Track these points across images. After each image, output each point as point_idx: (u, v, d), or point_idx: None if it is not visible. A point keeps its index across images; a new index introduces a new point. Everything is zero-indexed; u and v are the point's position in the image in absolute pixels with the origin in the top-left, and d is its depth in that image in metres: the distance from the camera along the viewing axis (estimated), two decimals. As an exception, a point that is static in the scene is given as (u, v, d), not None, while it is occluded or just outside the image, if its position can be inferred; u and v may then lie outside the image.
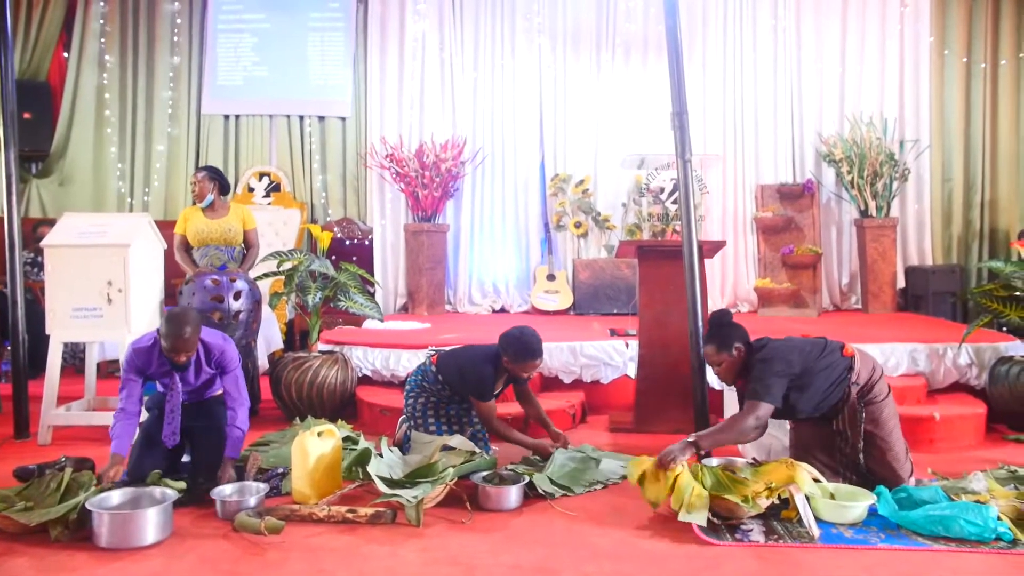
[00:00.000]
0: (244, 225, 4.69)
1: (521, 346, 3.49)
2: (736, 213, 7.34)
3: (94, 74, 7.58)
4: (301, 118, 7.70)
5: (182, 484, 3.03)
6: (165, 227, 4.79)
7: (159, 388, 3.44)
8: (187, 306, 4.24)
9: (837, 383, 3.09)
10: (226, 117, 7.71)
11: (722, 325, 3.25)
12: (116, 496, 2.86)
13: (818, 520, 2.82)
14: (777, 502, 2.86)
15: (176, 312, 3.21)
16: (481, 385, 3.56)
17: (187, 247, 4.66)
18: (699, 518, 2.76)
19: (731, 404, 3.74)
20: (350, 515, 2.90)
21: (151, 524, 2.69)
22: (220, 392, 3.43)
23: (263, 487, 3.12)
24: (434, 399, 3.73)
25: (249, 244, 4.73)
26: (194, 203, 4.66)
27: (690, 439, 3.01)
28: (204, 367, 3.32)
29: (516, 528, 2.86)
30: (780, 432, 3.52)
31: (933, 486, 3.00)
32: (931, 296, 6.78)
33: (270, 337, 5.05)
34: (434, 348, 4.08)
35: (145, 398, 3.39)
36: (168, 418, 3.29)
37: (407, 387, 3.82)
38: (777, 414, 3.09)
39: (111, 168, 7.61)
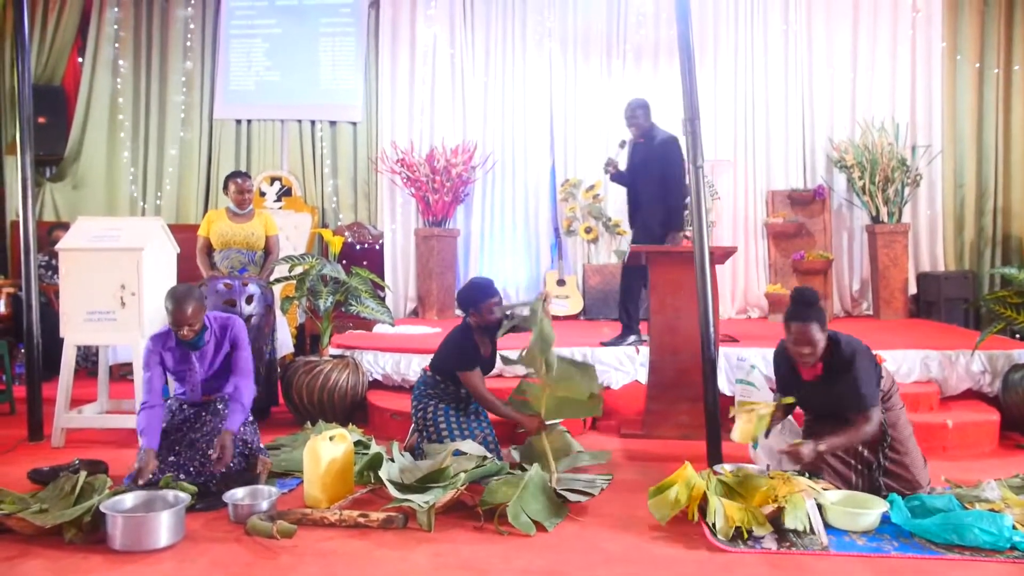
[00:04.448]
0: (267, 231, 4.75)
1: (473, 291, 3.76)
2: (747, 219, 7.32)
3: (108, 79, 7.65)
4: (312, 123, 7.74)
5: (194, 488, 3.04)
6: (177, 231, 4.82)
7: (177, 387, 3.49)
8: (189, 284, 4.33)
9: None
10: (238, 122, 7.76)
11: (816, 304, 3.08)
12: (129, 499, 2.89)
13: (831, 527, 2.81)
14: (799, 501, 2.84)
15: (177, 287, 3.35)
16: (461, 354, 3.69)
17: (209, 250, 4.70)
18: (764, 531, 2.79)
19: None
20: (362, 519, 2.91)
21: (164, 527, 2.70)
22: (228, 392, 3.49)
23: (275, 491, 3.13)
24: (443, 405, 3.75)
25: (269, 250, 4.78)
26: (239, 208, 4.71)
27: (820, 447, 2.97)
28: (221, 344, 3.41)
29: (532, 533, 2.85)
30: (793, 438, 3.50)
31: (947, 494, 2.99)
32: (943, 302, 6.74)
33: (281, 341, 5.08)
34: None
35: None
36: (189, 396, 3.40)
37: (413, 401, 3.85)
38: (822, 409, 3.12)
39: (124, 172, 7.66)
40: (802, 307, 3.06)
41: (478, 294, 3.75)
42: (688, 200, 4.32)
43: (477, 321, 3.74)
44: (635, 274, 5.00)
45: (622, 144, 5.14)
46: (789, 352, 3.14)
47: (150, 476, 3.07)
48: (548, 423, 3.62)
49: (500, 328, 3.86)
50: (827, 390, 3.11)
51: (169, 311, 3.24)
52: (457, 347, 3.74)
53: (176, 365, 3.40)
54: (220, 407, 3.44)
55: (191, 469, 3.25)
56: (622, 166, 5.23)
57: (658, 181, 4.87)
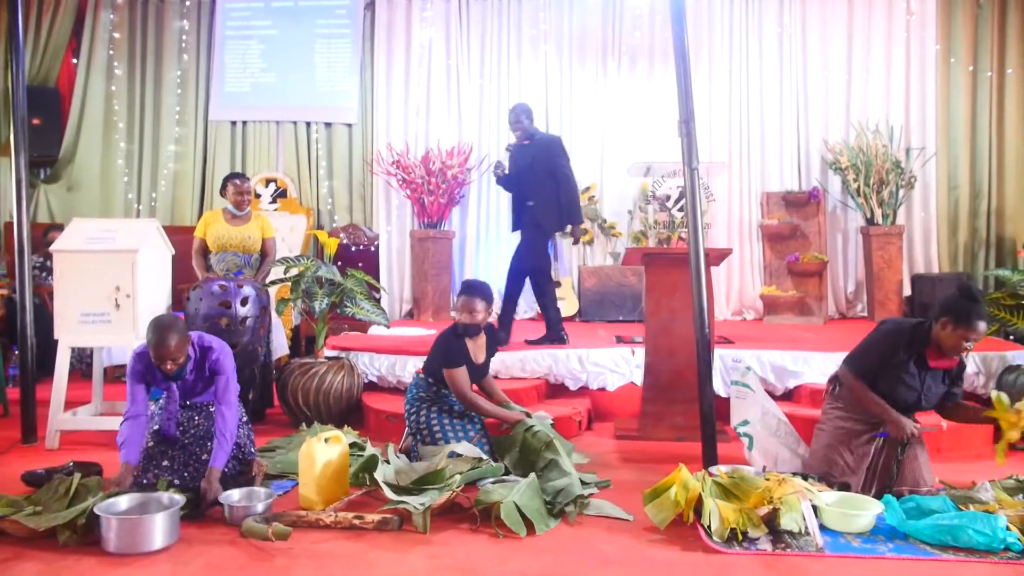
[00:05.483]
0: (263, 233, 4.74)
1: (466, 288, 3.83)
2: (742, 221, 7.34)
3: (103, 80, 7.62)
4: (308, 124, 7.73)
5: (189, 495, 3.02)
6: (172, 232, 4.81)
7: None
8: (173, 313, 4.22)
9: None
10: (233, 123, 7.74)
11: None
12: (124, 501, 2.87)
13: (826, 529, 2.82)
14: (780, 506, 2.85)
15: (160, 319, 3.13)
16: (447, 352, 3.72)
17: (205, 251, 4.69)
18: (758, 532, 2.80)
19: (738, 411, 3.72)
20: (357, 521, 2.90)
21: (159, 529, 2.70)
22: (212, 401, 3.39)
23: (270, 493, 3.12)
24: (436, 407, 3.76)
25: (265, 252, 4.77)
26: (238, 210, 4.70)
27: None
28: (203, 375, 3.29)
29: (523, 535, 2.85)
30: (791, 440, 3.51)
31: (941, 496, 3.00)
32: (937, 304, 6.75)
33: (276, 343, 5.08)
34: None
35: (152, 404, 3.39)
36: (164, 426, 3.28)
37: (406, 405, 3.85)
38: (932, 397, 3.26)
39: (119, 174, 7.64)
40: (982, 304, 3.14)
41: (470, 291, 3.81)
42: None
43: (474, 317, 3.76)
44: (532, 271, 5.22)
45: (508, 148, 5.45)
46: (947, 342, 3.12)
47: (121, 490, 2.96)
48: (533, 423, 3.61)
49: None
50: (943, 378, 3.27)
51: (151, 345, 3.03)
52: (443, 345, 3.76)
53: (156, 386, 3.30)
54: (212, 410, 3.37)
55: (185, 475, 3.21)
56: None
57: (544, 180, 5.11)
